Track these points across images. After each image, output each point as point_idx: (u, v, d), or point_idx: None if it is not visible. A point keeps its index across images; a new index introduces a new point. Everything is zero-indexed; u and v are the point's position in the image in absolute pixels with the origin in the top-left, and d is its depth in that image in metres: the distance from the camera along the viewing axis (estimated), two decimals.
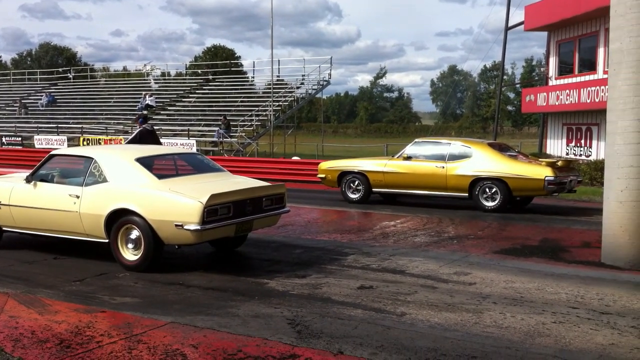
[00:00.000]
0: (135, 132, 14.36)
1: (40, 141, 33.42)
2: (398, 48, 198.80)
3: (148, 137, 13.75)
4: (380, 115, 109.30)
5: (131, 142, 13.99)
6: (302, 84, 36.99)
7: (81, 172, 8.22)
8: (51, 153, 8.85)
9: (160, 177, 7.97)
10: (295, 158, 24.76)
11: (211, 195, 7.22)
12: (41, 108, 41.52)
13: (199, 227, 7.16)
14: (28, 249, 8.93)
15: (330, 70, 36.86)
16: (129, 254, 7.69)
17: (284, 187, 8.62)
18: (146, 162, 8.14)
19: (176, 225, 7.25)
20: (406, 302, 6.34)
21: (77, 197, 7.94)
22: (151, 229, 7.43)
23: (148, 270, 7.54)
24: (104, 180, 7.91)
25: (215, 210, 7.32)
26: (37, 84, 49.16)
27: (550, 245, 9.60)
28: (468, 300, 6.45)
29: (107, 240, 7.80)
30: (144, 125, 14.12)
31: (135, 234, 7.60)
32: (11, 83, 51.03)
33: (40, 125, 37.27)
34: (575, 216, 12.81)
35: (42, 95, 43.07)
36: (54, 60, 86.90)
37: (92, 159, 8.17)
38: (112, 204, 7.67)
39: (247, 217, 7.84)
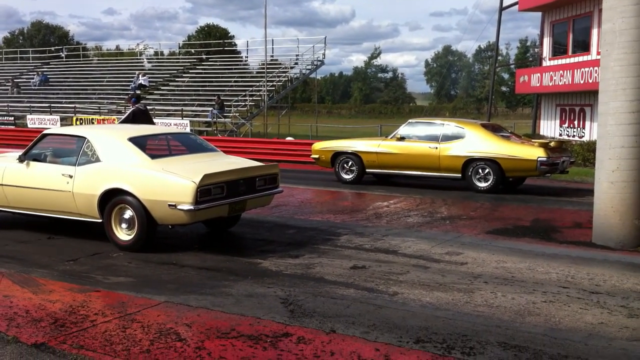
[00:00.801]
0: (128, 112, 14.35)
1: (33, 121, 33.31)
2: (392, 28, 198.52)
3: (141, 117, 13.74)
4: (375, 95, 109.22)
5: (124, 122, 13.98)
6: (296, 64, 36.87)
7: (74, 152, 8.19)
8: (44, 132, 8.82)
9: (153, 157, 7.97)
10: (289, 138, 24.75)
11: (204, 175, 7.23)
12: (34, 87, 41.31)
13: (192, 207, 7.18)
14: (22, 229, 8.94)
15: (325, 50, 36.82)
16: (123, 234, 7.70)
17: (277, 167, 8.63)
18: (139, 142, 8.13)
19: (169, 205, 7.27)
20: (398, 282, 6.40)
21: (70, 176, 7.94)
22: (144, 209, 7.44)
23: (142, 250, 7.56)
24: (97, 160, 7.90)
25: (209, 190, 7.34)
26: (30, 62, 48.86)
27: (542, 225, 9.67)
28: (459, 279, 6.51)
29: (100, 220, 7.81)
30: (136, 105, 14.10)
31: (128, 213, 7.61)
32: (3, 62, 50.68)
33: (32, 104, 37.10)
34: (567, 197, 12.89)
35: (34, 75, 42.82)
36: (46, 39, 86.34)
37: (85, 138, 8.15)
38: (105, 184, 7.67)
39: (241, 197, 7.85)
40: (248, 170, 8.09)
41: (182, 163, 8.00)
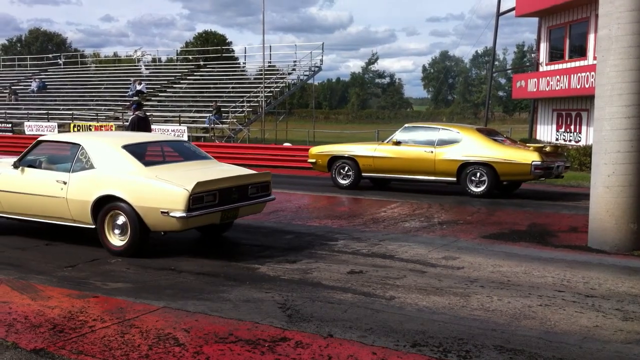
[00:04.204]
0: (130, 119, 14.40)
1: (31, 127, 33.26)
2: (390, 34, 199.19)
3: (140, 124, 13.80)
4: (372, 101, 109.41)
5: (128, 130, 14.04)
6: (294, 69, 36.85)
7: (68, 159, 8.26)
8: (39, 139, 8.88)
9: (147, 164, 8.04)
10: (286, 144, 24.80)
11: (197, 183, 7.31)
12: (31, 94, 41.28)
13: (184, 215, 7.24)
14: (19, 235, 8.96)
15: (322, 56, 36.75)
16: (116, 240, 7.76)
17: (270, 175, 8.69)
18: (133, 149, 8.20)
19: (162, 212, 7.33)
20: (395, 286, 6.43)
21: (64, 183, 8.00)
22: (137, 216, 7.50)
23: (135, 255, 7.61)
24: (91, 167, 7.97)
25: (201, 197, 7.41)
26: (27, 70, 48.81)
27: (538, 230, 9.71)
28: (456, 284, 6.55)
29: (94, 226, 7.87)
30: (137, 112, 14.14)
31: (121, 220, 7.67)
32: (1, 69, 50.65)
33: (30, 111, 37.08)
34: (564, 201, 12.94)
35: (32, 82, 42.83)
36: (43, 46, 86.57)
37: (80, 145, 8.22)
38: (99, 191, 7.74)
39: (233, 204, 7.92)
40: (240, 178, 8.15)
41: (175, 171, 8.06)
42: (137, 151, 8.27)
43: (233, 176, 8.08)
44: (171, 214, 7.27)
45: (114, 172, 7.85)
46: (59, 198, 8.02)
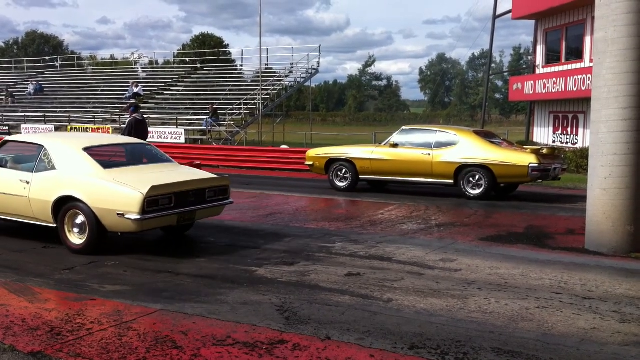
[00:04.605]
0: (127, 122, 14.41)
1: (28, 130, 33.24)
2: (387, 36, 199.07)
3: (137, 126, 13.80)
4: (369, 103, 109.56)
5: (124, 134, 14.04)
6: (291, 72, 36.84)
7: (32, 159, 8.48)
8: (5, 139, 9.22)
9: (106, 166, 8.21)
10: (283, 147, 24.79)
11: (152, 186, 7.45)
12: (28, 97, 41.22)
13: (139, 217, 7.41)
14: (17, 238, 8.94)
15: (319, 58, 36.77)
16: (75, 238, 7.95)
17: (228, 179, 8.83)
18: (93, 152, 8.41)
19: (118, 214, 7.50)
20: (393, 289, 6.44)
21: (27, 182, 8.23)
22: (95, 216, 7.69)
23: (93, 253, 7.78)
24: (53, 168, 8.18)
25: (156, 200, 7.55)
26: (24, 72, 48.75)
27: (535, 232, 9.73)
28: (453, 286, 6.55)
29: (54, 225, 8.06)
30: (134, 115, 14.15)
31: (80, 219, 7.87)
32: None
33: (27, 114, 37.03)
34: (561, 203, 12.96)
35: (29, 84, 42.76)
36: (40, 48, 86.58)
37: (43, 146, 8.43)
38: (59, 191, 7.93)
39: (190, 207, 8.05)
40: (198, 182, 8.27)
41: (133, 173, 8.20)
42: (98, 153, 8.48)
43: (190, 180, 8.21)
44: (126, 216, 7.45)
45: (74, 173, 8.04)
46: (22, 197, 8.24)
